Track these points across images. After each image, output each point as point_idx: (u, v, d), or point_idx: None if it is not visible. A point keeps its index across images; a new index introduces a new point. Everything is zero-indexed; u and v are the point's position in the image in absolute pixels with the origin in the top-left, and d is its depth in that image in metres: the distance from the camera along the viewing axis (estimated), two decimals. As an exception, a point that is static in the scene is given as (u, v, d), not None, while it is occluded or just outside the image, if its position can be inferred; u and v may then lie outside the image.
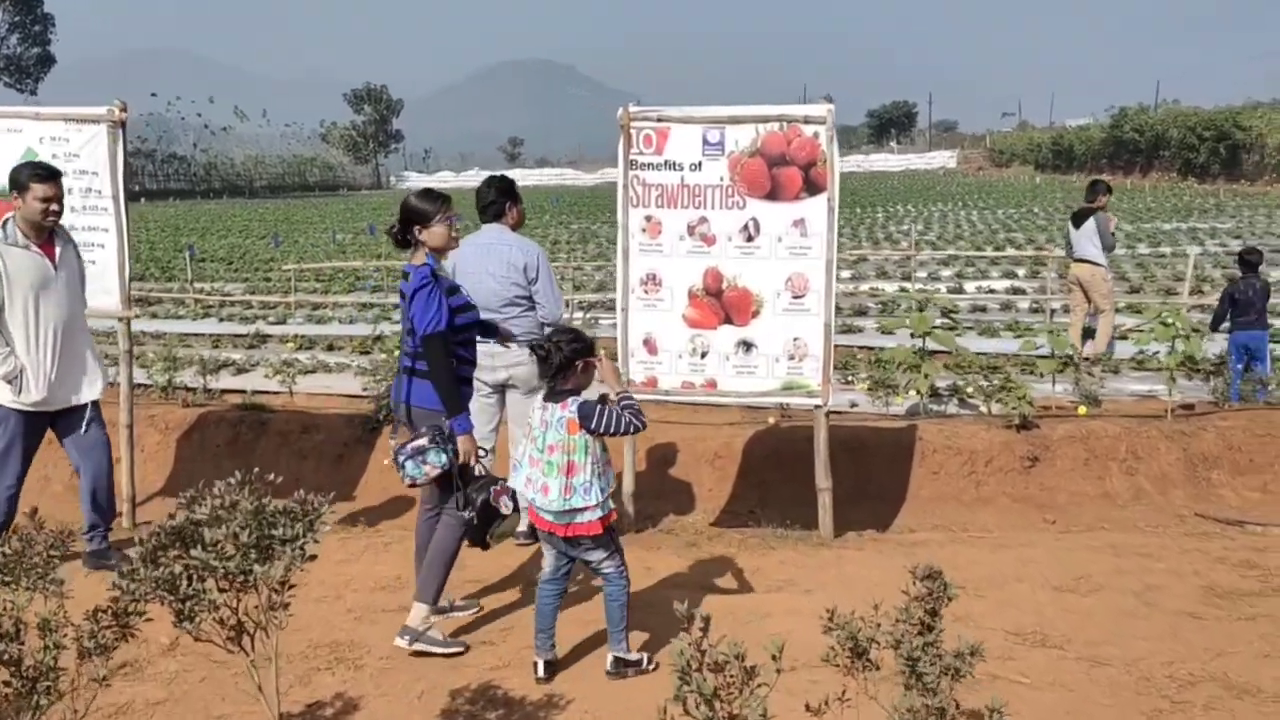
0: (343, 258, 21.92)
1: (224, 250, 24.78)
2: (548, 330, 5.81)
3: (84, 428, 5.39)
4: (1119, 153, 53.16)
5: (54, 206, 4.99)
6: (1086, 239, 10.40)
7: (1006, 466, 7.29)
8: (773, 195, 5.51)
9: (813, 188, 5.48)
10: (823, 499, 5.84)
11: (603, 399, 4.05)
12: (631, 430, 4.01)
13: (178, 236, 30.02)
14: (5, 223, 5.02)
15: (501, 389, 5.77)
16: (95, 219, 5.85)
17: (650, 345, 5.76)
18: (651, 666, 4.16)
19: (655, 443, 7.70)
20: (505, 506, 4.37)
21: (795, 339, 5.59)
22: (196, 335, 13.64)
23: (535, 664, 4.15)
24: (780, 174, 5.49)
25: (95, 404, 5.45)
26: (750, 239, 5.56)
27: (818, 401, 5.66)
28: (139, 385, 9.64)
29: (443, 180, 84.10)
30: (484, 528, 4.40)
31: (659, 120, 5.61)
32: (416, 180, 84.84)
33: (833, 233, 5.50)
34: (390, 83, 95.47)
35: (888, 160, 77.95)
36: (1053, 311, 12.28)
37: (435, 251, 4.52)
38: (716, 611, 4.79)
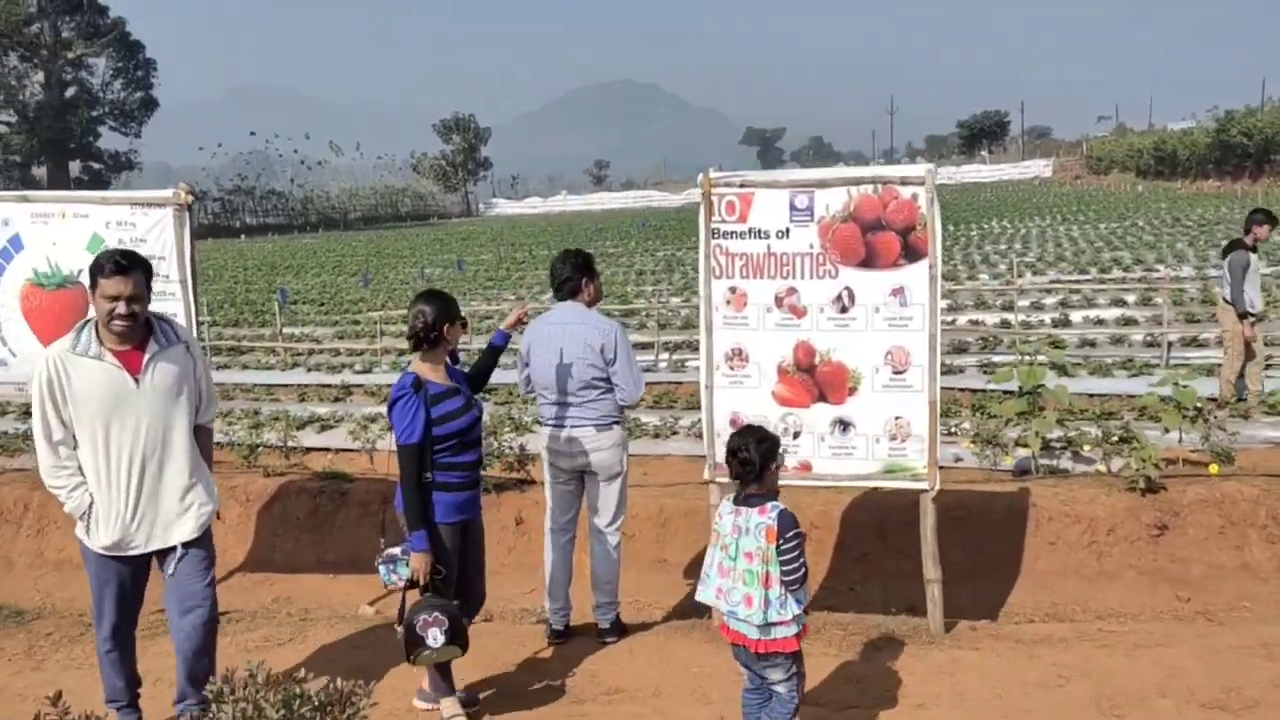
0: (430, 296, 21.95)
1: (315, 290, 25.12)
2: (625, 405, 5.44)
3: (173, 569, 4.27)
4: (1226, 157, 50.90)
5: (121, 308, 3.97)
6: (1225, 274, 9.54)
7: (1132, 535, 6.67)
8: (868, 263, 5.07)
9: (912, 254, 5.02)
10: (931, 591, 5.34)
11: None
12: (795, 580, 3.68)
13: (273, 276, 30.63)
14: (82, 327, 4.12)
15: (579, 475, 5.43)
16: (163, 304, 5.66)
17: (737, 424, 5.32)
18: None
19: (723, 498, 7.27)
20: (433, 639, 4.27)
21: (897, 418, 5.13)
22: (284, 386, 13.67)
23: None
24: (876, 240, 5.05)
25: (201, 542, 4.32)
26: (844, 310, 5.12)
27: (924, 486, 5.18)
28: (222, 444, 9.60)
29: (532, 206, 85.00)
30: (408, 648, 4.31)
31: (742, 186, 5.21)
32: (506, 207, 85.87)
33: (935, 302, 5.03)
34: (475, 110, 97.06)
35: (980, 171, 76.16)
36: (1170, 345, 11.49)
37: (446, 352, 4.59)
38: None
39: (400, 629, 4.33)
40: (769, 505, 3.73)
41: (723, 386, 5.36)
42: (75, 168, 63.13)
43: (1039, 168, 74.21)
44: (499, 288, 23.43)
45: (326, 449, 9.82)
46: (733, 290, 5.27)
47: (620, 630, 5.49)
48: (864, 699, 4.61)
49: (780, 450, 3.88)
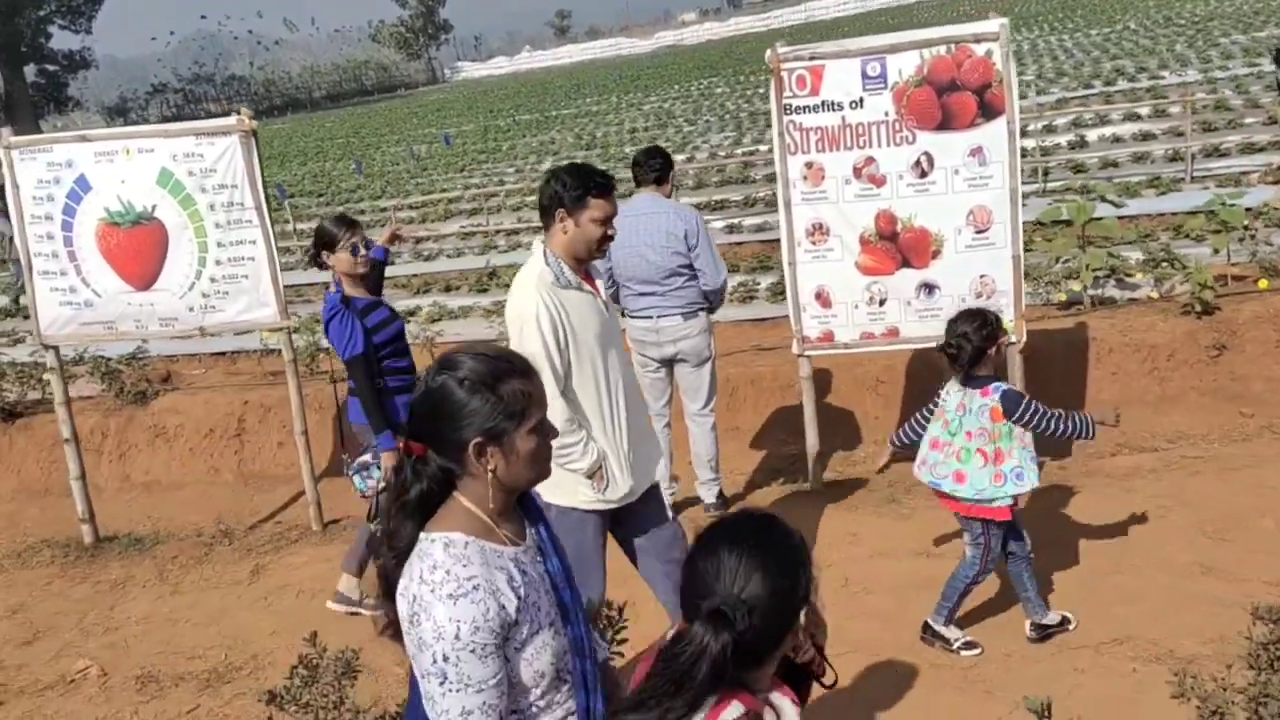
0: (427, 177, 21.71)
1: (307, 180, 24.78)
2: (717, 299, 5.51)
3: (656, 513, 3.84)
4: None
5: (611, 231, 3.59)
6: None
7: (1191, 359, 6.88)
8: (945, 125, 5.10)
9: (989, 112, 5.05)
10: (1023, 438, 5.57)
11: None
12: (1067, 431, 3.90)
13: (257, 168, 30.04)
14: (545, 258, 3.56)
15: (669, 363, 5.58)
16: (242, 233, 5.72)
17: (823, 298, 5.47)
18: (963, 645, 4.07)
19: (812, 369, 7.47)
20: None
21: (981, 276, 5.26)
22: (311, 285, 13.69)
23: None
24: (951, 101, 5.06)
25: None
26: (924, 175, 5.17)
27: (1012, 339, 5.35)
28: (271, 351, 9.71)
29: (498, 67, 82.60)
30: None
31: (812, 58, 5.19)
32: (471, 70, 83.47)
33: (1015, 158, 5.09)
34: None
35: (955, -15, 73.75)
36: (1193, 157, 11.50)
37: (344, 276, 4.71)
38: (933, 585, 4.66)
39: (376, 525, 4.52)
40: (991, 387, 3.90)
41: (805, 262, 5.45)
42: (31, 72, 60.87)
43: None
44: (491, 160, 23.12)
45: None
46: (809, 165, 5.31)
47: (725, 503, 5.74)
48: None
49: (1004, 333, 4.01)
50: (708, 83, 34.24)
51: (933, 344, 5.68)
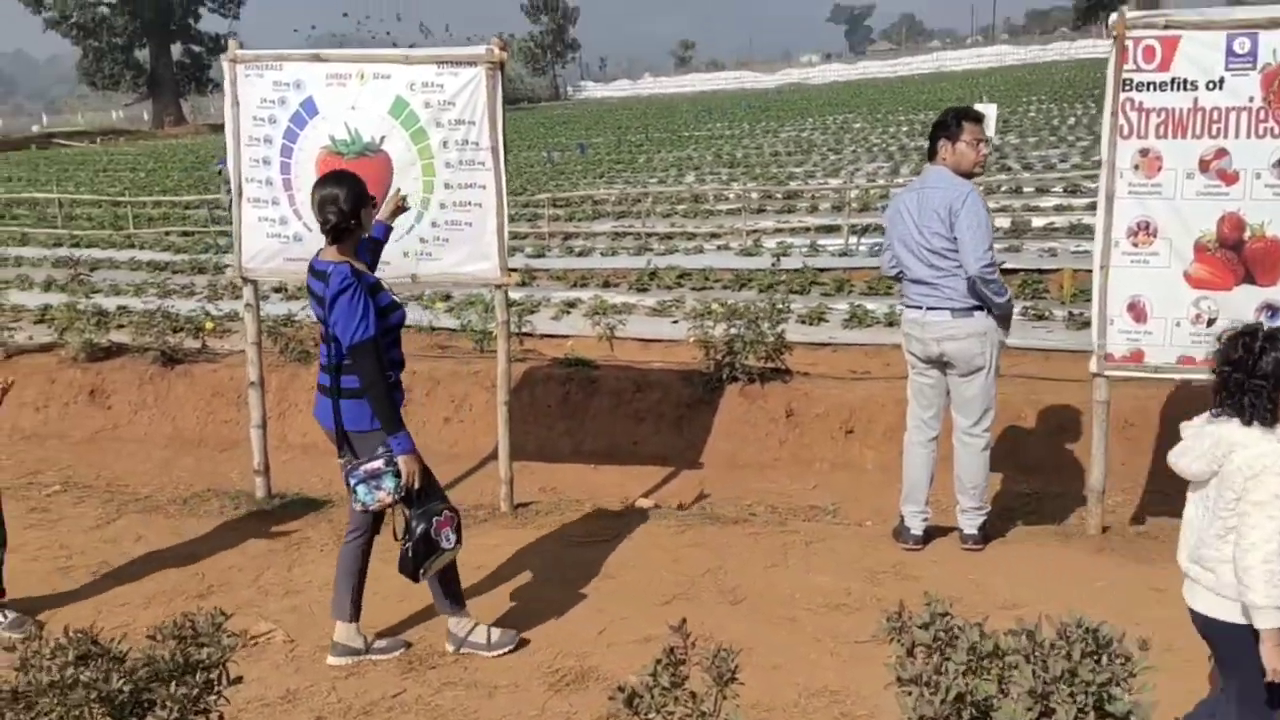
0: (567, 179, 21.38)
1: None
2: (982, 285, 4.71)
3: None
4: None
5: None
6: None
7: None
8: (1323, 117, 4.32)
9: (1381, 106, 4.26)
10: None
11: None
12: None
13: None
14: None
15: (939, 365, 4.85)
16: (473, 175, 5.17)
17: (1137, 310, 4.70)
18: None
19: (1046, 404, 6.68)
20: (447, 540, 3.84)
21: (1342, 303, 4.44)
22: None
23: None
24: (1336, 91, 4.29)
25: None
26: (1287, 175, 4.40)
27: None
28: (443, 328, 9.26)
29: (620, 89, 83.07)
30: (419, 560, 3.82)
31: (1166, 27, 4.46)
32: (594, 90, 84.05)
33: (1407, 163, 4.28)
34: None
35: (1096, 46, 71.86)
36: None
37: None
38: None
39: (407, 544, 3.83)
40: None
41: (1122, 266, 4.69)
42: (176, 51, 62.62)
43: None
44: (629, 170, 22.71)
45: (530, 334, 9.41)
46: (1144, 153, 4.57)
47: (986, 539, 4.98)
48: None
49: None
50: (843, 118, 33.53)
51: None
